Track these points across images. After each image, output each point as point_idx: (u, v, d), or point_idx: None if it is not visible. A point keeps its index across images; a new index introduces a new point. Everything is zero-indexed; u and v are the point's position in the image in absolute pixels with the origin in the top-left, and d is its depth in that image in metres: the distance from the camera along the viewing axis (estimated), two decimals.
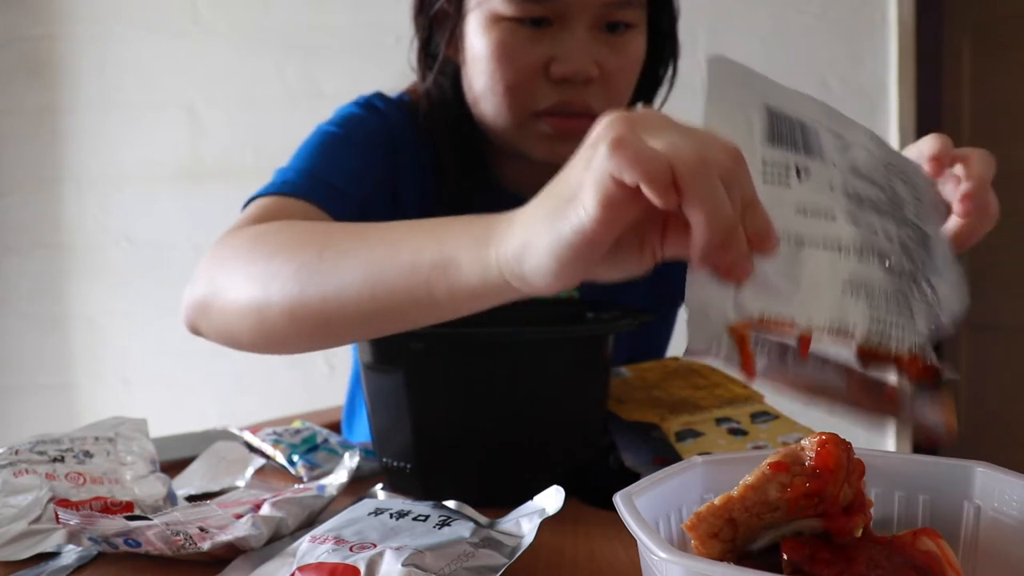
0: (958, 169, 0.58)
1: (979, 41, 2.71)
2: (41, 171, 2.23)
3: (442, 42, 0.80)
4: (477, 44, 0.75)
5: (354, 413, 1.01)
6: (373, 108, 0.84)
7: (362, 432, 0.98)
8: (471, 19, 0.76)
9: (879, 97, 2.13)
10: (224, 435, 0.82)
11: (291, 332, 0.56)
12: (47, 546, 0.52)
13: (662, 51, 0.87)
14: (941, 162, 0.58)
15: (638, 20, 0.77)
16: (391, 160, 0.82)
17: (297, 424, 0.81)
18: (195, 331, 0.67)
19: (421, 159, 0.84)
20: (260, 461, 0.74)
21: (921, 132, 2.18)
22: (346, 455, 0.61)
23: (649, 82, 0.88)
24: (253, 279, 0.57)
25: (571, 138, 0.74)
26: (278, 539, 0.53)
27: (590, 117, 0.74)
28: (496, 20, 0.73)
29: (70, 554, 0.52)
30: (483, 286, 0.44)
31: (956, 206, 0.57)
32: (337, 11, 2.15)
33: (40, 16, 2.21)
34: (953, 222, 0.58)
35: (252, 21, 2.18)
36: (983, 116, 2.71)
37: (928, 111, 2.44)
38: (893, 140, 2.13)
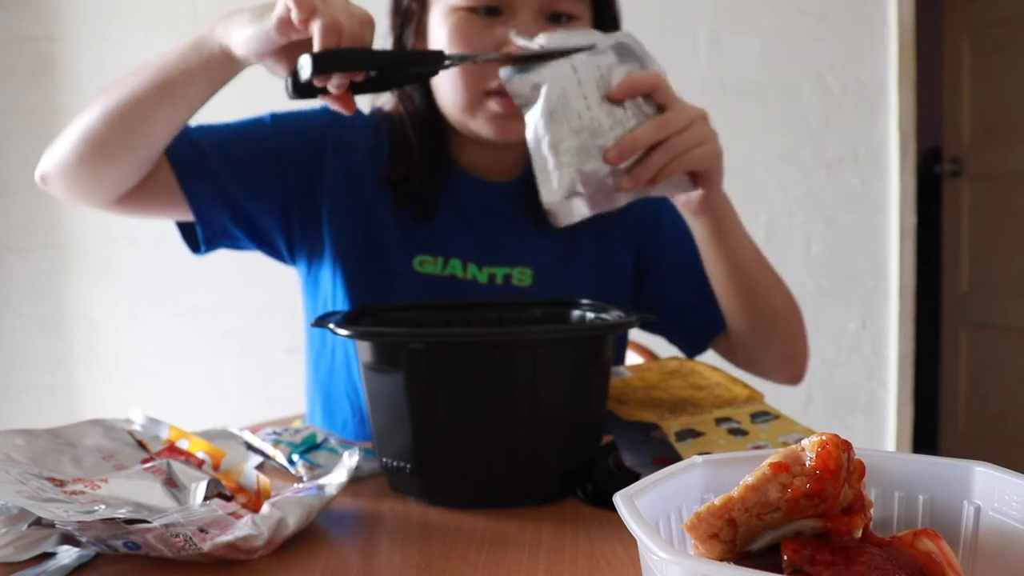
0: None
1: (979, 41, 2.71)
2: None
3: (410, 36, 0.90)
4: (438, 33, 0.86)
5: (315, 409, 1.01)
6: (328, 113, 0.95)
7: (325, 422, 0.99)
8: (434, 13, 0.87)
9: (879, 97, 2.13)
10: (224, 435, 0.82)
11: (109, 130, 0.78)
12: (46, 547, 0.52)
13: None
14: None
15: (581, 13, 0.87)
16: (313, 154, 0.94)
17: (297, 424, 0.81)
18: (43, 180, 0.85)
19: (372, 152, 0.95)
20: (260, 460, 0.74)
21: (921, 132, 2.18)
22: (345, 455, 0.61)
23: None
24: (79, 116, 0.80)
25: (518, 116, 0.84)
26: (279, 539, 0.53)
27: None
28: (453, 11, 0.84)
29: (69, 554, 0.52)
30: (215, 55, 0.75)
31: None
32: None
33: (40, 16, 2.21)
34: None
35: None
36: (983, 116, 2.71)
37: (928, 111, 2.44)
38: (893, 140, 2.13)
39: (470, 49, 0.84)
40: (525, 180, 0.94)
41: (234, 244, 0.94)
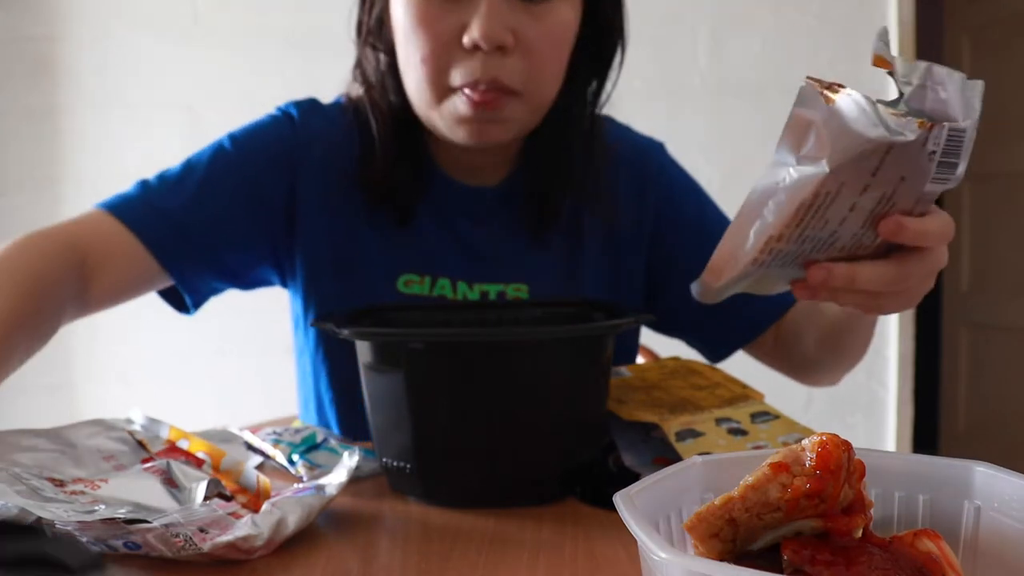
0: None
1: (979, 41, 2.71)
2: (41, 171, 2.23)
3: (374, 21, 0.82)
4: (399, 16, 0.75)
5: (308, 403, 0.96)
6: (287, 117, 0.89)
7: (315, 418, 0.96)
8: None
9: (879, 97, 2.13)
10: (224, 435, 0.82)
11: None
12: None
13: (605, 31, 0.83)
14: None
15: None
16: (284, 170, 0.86)
17: (297, 424, 0.81)
18: None
19: (343, 153, 0.86)
20: (260, 460, 0.74)
21: None
22: (345, 455, 0.61)
23: (595, 65, 0.85)
24: None
25: (490, 118, 0.74)
26: (279, 539, 0.53)
27: (508, 93, 0.74)
28: None
29: None
30: None
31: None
32: (337, 11, 2.15)
33: (40, 16, 2.21)
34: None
35: (252, 21, 2.18)
36: (983, 116, 2.70)
37: None
38: None
39: (431, 35, 0.73)
40: (514, 180, 0.87)
41: (223, 291, 0.89)
